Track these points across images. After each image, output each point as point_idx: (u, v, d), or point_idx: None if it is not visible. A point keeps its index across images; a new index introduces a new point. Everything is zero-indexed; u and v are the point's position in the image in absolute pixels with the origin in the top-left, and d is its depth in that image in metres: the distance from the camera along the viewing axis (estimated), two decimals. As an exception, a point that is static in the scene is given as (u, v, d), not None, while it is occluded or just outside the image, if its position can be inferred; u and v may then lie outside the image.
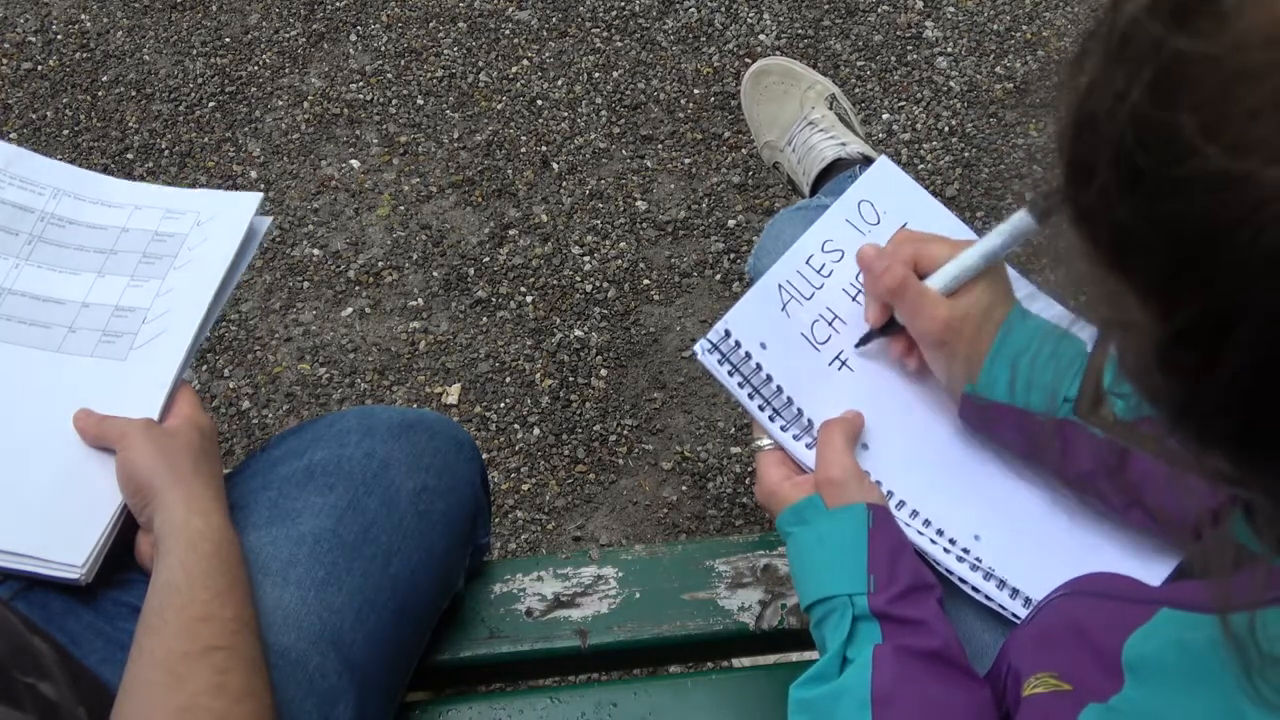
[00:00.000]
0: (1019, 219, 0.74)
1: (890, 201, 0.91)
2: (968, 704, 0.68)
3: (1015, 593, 0.79)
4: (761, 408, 0.84)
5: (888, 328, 0.84)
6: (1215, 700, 0.48)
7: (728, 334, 0.86)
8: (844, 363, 0.87)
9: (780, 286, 0.89)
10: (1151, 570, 0.78)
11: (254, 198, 0.92)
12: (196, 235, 0.90)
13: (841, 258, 0.90)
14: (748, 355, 0.86)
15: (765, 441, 0.84)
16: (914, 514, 0.82)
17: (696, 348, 0.86)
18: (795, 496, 0.78)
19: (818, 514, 0.76)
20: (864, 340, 0.86)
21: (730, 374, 0.85)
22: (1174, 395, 0.39)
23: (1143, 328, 0.38)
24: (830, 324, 0.88)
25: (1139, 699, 0.53)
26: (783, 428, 0.84)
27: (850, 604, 0.71)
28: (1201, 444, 0.39)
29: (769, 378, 0.85)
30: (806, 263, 0.90)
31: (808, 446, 0.83)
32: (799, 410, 0.85)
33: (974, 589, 0.79)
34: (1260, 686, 0.42)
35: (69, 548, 0.76)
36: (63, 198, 0.92)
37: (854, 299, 0.88)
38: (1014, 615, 0.78)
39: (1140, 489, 0.74)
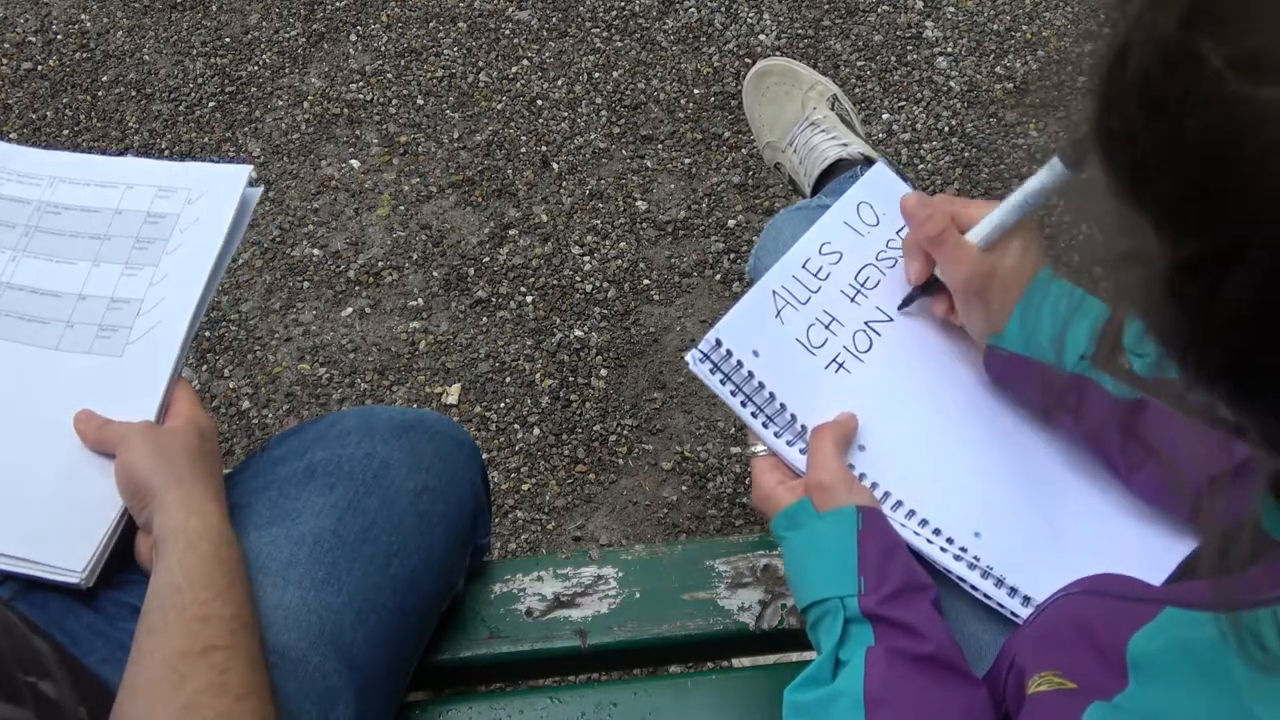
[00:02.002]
0: (1052, 166, 0.75)
1: (888, 204, 0.91)
2: (963, 705, 0.68)
3: (1014, 591, 0.79)
4: (755, 414, 0.84)
5: (929, 286, 0.84)
6: (1220, 698, 0.48)
7: (719, 343, 0.86)
8: (840, 365, 0.87)
9: (775, 293, 0.89)
10: (1153, 567, 0.78)
11: (243, 170, 0.91)
12: (188, 215, 0.90)
13: (839, 259, 0.90)
14: (740, 364, 0.86)
15: (759, 447, 0.84)
16: (910, 514, 0.82)
17: (688, 357, 0.86)
18: (787, 501, 0.79)
19: (809, 518, 0.76)
20: (906, 301, 0.87)
21: (723, 383, 0.85)
22: (1180, 327, 0.39)
23: (1155, 258, 0.39)
24: (827, 326, 0.88)
25: (1143, 697, 0.53)
26: (776, 434, 0.84)
27: (842, 606, 0.71)
28: (1203, 381, 0.40)
29: (761, 385, 0.85)
30: (803, 267, 0.89)
31: (801, 451, 0.83)
32: (792, 416, 0.85)
33: (973, 587, 0.79)
34: (1267, 683, 0.42)
35: (70, 552, 0.76)
36: (58, 184, 0.92)
37: (852, 300, 0.88)
38: (1013, 614, 0.78)
39: (1149, 450, 0.76)
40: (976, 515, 0.82)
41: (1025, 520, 0.82)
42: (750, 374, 0.85)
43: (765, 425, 0.84)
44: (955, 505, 0.82)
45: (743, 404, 0.85)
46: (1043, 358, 0.77)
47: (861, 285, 0.89)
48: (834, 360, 0.87)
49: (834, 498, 0.76)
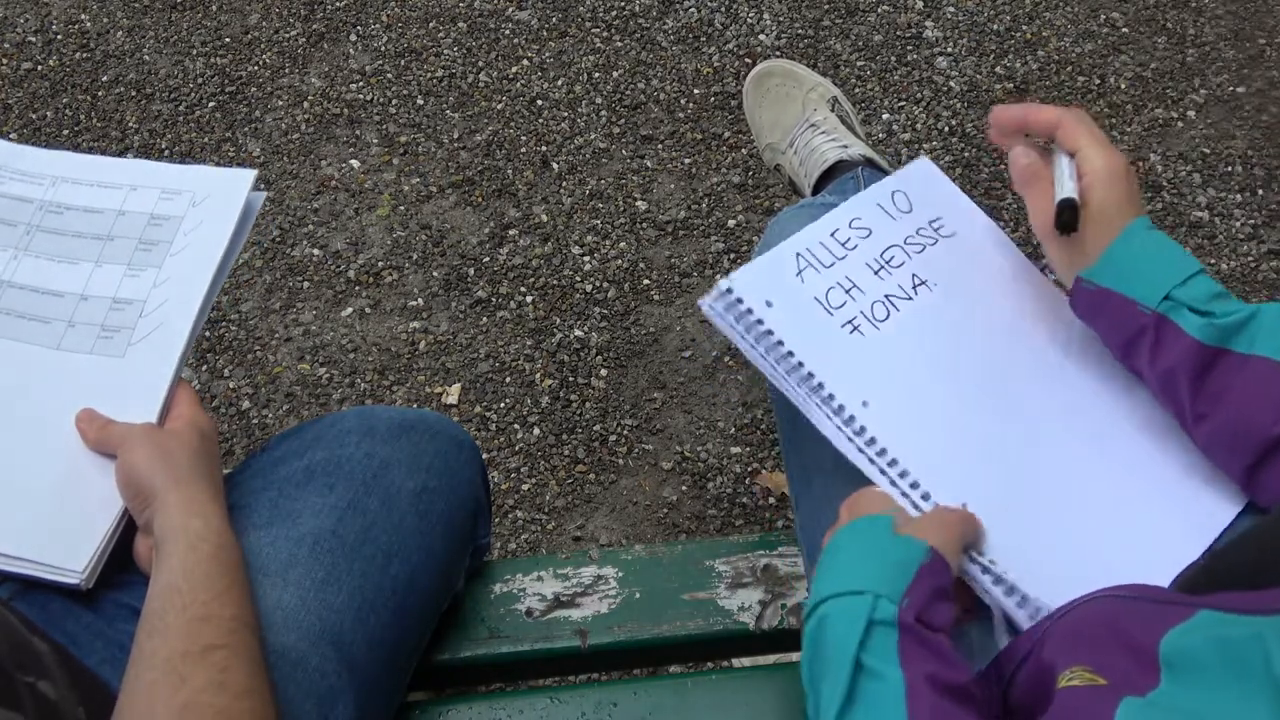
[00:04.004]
0: None
1: (925, 196, 0.92)
2: None
3: (1013, 590, 0.78)
4: (763, 358, 0.85)
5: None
6: (1258, 696, 0.48)
7: (729, 291, 0.86)
8: (856, 328, 0.87)
9: (798, 255, 0.89)
10: (1161, 565, 0.77)
11: (248, 174, 0.91)
12: (192, 218, 0.90)
13: (869, 235, 0.90)
14: (750, 311, 0.86)
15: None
16: (904, 474, 0.81)
17: (701, 303, 0.86)
18: (879, 509, 0.75)
19: (883, 530, 0.72)
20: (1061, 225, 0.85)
21: (733, 327, 0.85)
22: None
23: None
24: (847, 292, 0.88)
25: (1178, 695, 0.52)
26: (784, 378, 0.84)
27: (874, 605, 0.64)
28: None
29: (770, 332, 0.85)
30: (831, 235, 0.90)
31: (818, 405, 0.83)
32: (810, 373, 0.84)
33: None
34: None
35: (70, 553, 0.76)
36: (61, 184, 0.92)
37: (875, 273, 0.89)
38: (996, 601, 0.77)
39: (1217, 402, 0.76)
40: (971, 487, 0.81)
41: (1020, 503, 0.81)
42: (760, 321, 0.85)
43: (773, 370, 0.84)
44: (952, 473, 0.82)
45: (751, 347, 0.85)
46: (1126, 291, 0.79)
47: (886, 262, 0.90)
48: (850, 322, 0.87)
49: (917, 532, 0.72)
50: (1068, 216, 0.81)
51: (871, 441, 0.82)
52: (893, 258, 0.90)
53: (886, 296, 0.89)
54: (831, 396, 0.84)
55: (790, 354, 0.85)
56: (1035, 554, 0.79)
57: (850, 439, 0.83)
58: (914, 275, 0.90)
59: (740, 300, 0.86)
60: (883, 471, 0.81)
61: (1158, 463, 0.83)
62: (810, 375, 0.84)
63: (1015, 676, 0.66)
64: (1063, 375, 0.87)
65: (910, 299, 0.89)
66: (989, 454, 0.84)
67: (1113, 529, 0.81)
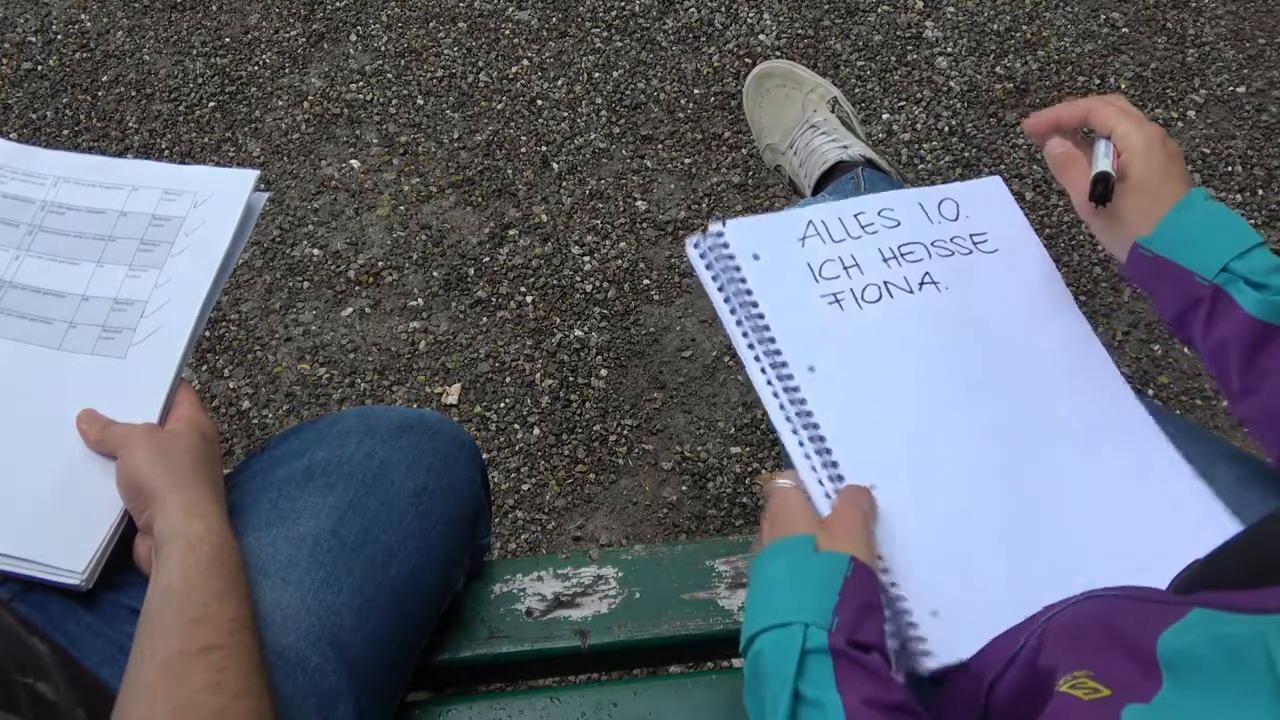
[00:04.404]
0: None
1: (980, 211, 0.91)
2: None
3: (894, 585, 0.76)
4: (739, 324, 0.83)
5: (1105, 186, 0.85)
6: (1262, 696, 0.48)
7: (720, 235, 0.85)
8: (839, 301, 0.85)
9: (811, 222, 0.88)
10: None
11: (250, 175, 0.91)
12: (194, 218, 0.90)
13: (896, 226, 0.89)
14: (736, 266, 0.84)
15: (784, 481, 0.81)
16: (825, 450, 0.79)
17: (687, 242, 0.85)
18: (798, 530, 0.74)
19: (805, 551, 0.72)
20: (1096, 196, 0.85)
21: (713, 278, 0.84)
22: None
23: None
24: (846, 268, 0.87)
25: (1181, 699, 0.52)
26: (750, 347, 0.82)
27: (804, 634, 0.65)
28: None
29: (749, 292, 0.83)
30: (854, 216, 0.89)
31: (769, 382, 0.81)
32: (767, 325, 0.83)
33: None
34: None
35: (70, 553, 0.76)
36: (62, 184, 0.92)
37: (885, 260, 0.88)
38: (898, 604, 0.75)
39: (1265, 379, 0.75)
40: (886, 477, 0.79)
41: (929, 512, 0.78)
42: (738, 269, 0.84)
43: (745, 335, 0.83)
44: (872, 457, 0.79)
45: (725, 301, 0.83)
46: (1183, 262, 0.78)
47: (903, 255, 0.88)
48: (834, 294, 0.85)
49: (836, 545, 0.72)
50: (1101, 189, 0.82)
51: (804, 410, 0.80)
52: (911, 253, 0.89)
53: (886, 283, 0.87)
54: (779, 353, 0.82)
55: (755, 304, 0.83)
56: (920, 558, 0.76)
57: (781, 403, 0.81)
58: (926, 273, 0.88)
59: (726, 245, 0.84)
60: (801, 443, 0.80)
61: (1105, 528, 0.79)
62: (766, 328, 0.82)
63: (999, 681, 0.66)
64: (1041, 416, 0.83)
65: (911, 293, 0.87)
66: (916, 455, 0.81)
67: (1063, 562, 0.77)
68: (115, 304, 0.87)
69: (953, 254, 0.89)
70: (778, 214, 0.88)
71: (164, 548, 0.72)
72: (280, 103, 1.98)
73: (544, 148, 1.90)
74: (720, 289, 0.84)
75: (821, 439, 0.80)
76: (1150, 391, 1.63)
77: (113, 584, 0.78)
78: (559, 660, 0.94)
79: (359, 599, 0.80)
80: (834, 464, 0.79)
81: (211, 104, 1.98)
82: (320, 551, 0.80)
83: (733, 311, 0.84)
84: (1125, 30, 2.02)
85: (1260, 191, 1.82)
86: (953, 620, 0.74)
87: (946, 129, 1.90)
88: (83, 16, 2.11)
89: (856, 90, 1.95)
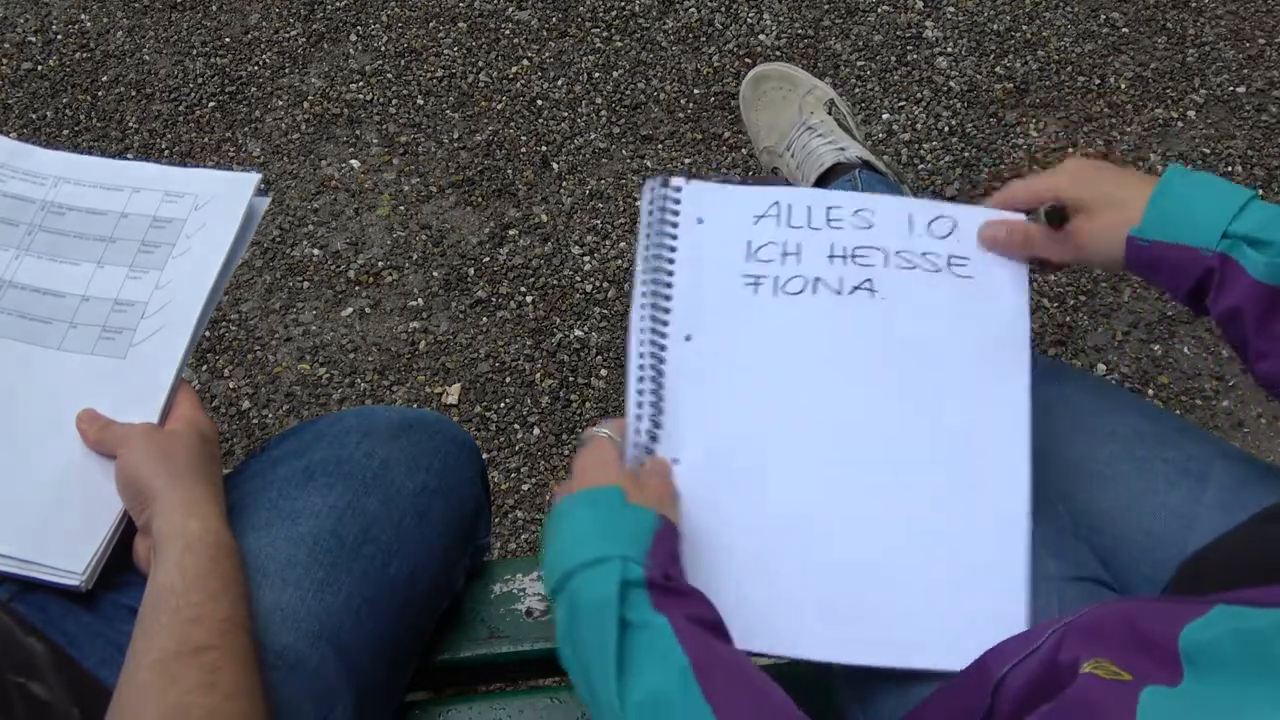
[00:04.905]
0: None
1: (975, 238, 0.86)
2: (759, 672, 0.66)
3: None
4: (644, 275, 0.82)
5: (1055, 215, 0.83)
6: (1278, 684, 0.48)
7: (677, 190, 0.84)
8: (758, 285, 0.83)
9: (776, 202, 0.85)
10: (947, 656, 0.73)
11: (252, 178, 0.91)
12: (194, 221, 0.90)
13: (867, 228, 0.85)
14: (675, 215, 0.84)
15: (603, 430, 0.80)
16: (656, 416, 0.79)
17: (648, 183, 0.85)
18: (602, 482, 0.74)
19: (614, 502, 0.71)
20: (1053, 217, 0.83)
21: (647, 225, 0.84)
22: None
23: None
24: (784, 255, 0.84)
25: (1202, 689, 0.52)
26: (641, 316, 0.81)
27: (623, 566, 0.65)
28: None
29: (673, 249, 0.83)
30: (826, 207, 0.86)
31: (641, 348, 0.81)
32: (670, 284, 0.83)
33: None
34: None
35: (69, 555, 0.76)
36: (63, 185, 0.91)
37: (831, 258, 0.84)
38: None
39: (1278, 342, 0.74)
40: (697, 456, 0.79)
41: (726, 509, 0.78)
42: (674, 238, 0.83)
43: (644, 285, 0.82)
44: (691, 436, 0.79)
45: (645, 239, 0.83)
46: (1185, 241, 0.76)
47: (854, 257, 0.85)
48: (756, 276, 0.84)
49: (646, 501, 0.72)
50: (1053, 212, 0.81)
51: (659, 370, 0.80)
52: (864, 256, 0.84)
53: (817, 279, 0.84)
54: (668, 311, 0.82)
55: (671, 261, 0.83)
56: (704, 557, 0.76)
57: (642, 358, 0.81)
58: (868, 279, 0.84)
59: (678, 204, 0.84)
60: (640, 403, 0.79)
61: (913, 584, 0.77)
62: (669, 285, 0.82)
63: (1006, 678, 0.65)
64: (908, 461, 0.79)
65: (838, 293, 0.83)
66: (736, 453, 0.79)
67: (902, 606, 0.76)
68: (116, 305, 0.87)
69: (914, 268, 0.84)
70: (750, 188, 0.86)
71: (162, 548, 0.72)
72: (280, 103, 1.98)
73: (544, 148, 1.91)
74: (648, 237, 0.84)
75: (659, 404, 0.79)
76: (1150, 392, 1.64)
77: (112, 584, 0.78)
78: (559, 660, 0.94)
79: (358, 599, 0.80)
80: (657, 428, 0.79)
81: (211, 104, 1.98)
82: (320, 551, 0.80)
83: (646, 260, 0.83)
84: (1125, 30, 2.02)
85: (1260, 191, 1.82)
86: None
87: (946, 129, 1.90)
88: (83, 16, 2.11)
89: (856, 90, 1.95)
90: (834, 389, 0.81)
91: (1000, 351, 0.83)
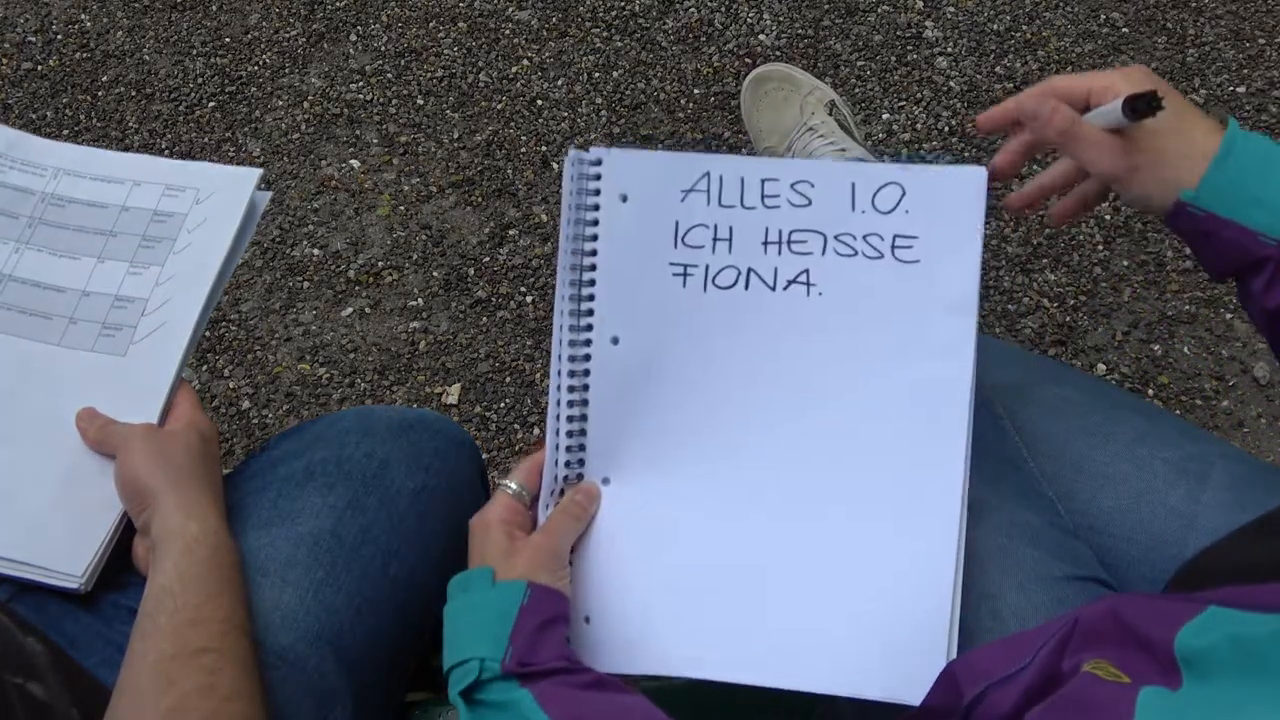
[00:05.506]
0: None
1: (928, 209, 0.75)
2: (645, 709, 0.66)
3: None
4: (565, 278, 0.75)
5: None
6: (1277, 693, 0.48)
7: (597, 163, 0.75)
8: (687, 276, 0.76)
9: (707, 174, 0.76)
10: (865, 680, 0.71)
11: (254, 173, 0.90)
12: (195, 215, 0.89)
13: (806, 206, 0.76)
14: (597, 194, 0.75)
15: (507, 483, 0.78)
16: (580, 434, 0.76)
17: (571, 152, 0.75)
18: (476, 560, 0.74)
19: (483, 585, 0.72)
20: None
21: (567, 208, 0.75)
22: None
23: None
24: (714, 240, 0.76)
25: (1200, 696, 0.52)
26: (561, 310, 0.75)
27: (480, 667, 0.67)
28: None
29: (594, 237, 0.75)
30: (761, 181, 0.76)
31: (562, 348, 0.75)
32: (593, 280, 0.75)
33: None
34: None
35: (69, 556, 0.76)
36: (63, 176, 0.91)
37: (765, 245, 0.76)
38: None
39: None
40: (626, 475, 0.76)
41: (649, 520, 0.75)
42: (595, 222, 0.75)
43: (563, 294, 0.75)
44: (619, 455, 0.76)
45: (568, 224, 0.75)
46: (1245, 221, 0.69)
47: (790, 243, 0.76)
48: (684, 266, 0.76)
49: (515, 570, 0.72)
50: (1142, 103, 0.68)
51: (583, 382, 0.75)
52: (802, 242, 0.76)
53: (750, 270, 0.76)
54: (590, 312, 0.75)
55: (594, 252, 0.75)
56: (608, 564, 0.75)
57: (562, 372, 0.76)
58: (805, 271, 0.76)
59: (599, 178, 0.75)
60: (560, 418, 0.76)
61: (848, 578, 0.74)
62: (593, 282, 0.75)
63: (987, 697, 0.63)
64: (840, 473, 0.75)
65: (771, 289, 0.76)
66: (664, 462, 0.76)
67: (800, 630, 0.75)
68: (116, 300, 0.86)
69: (855, 254, 0.76)
70: (676, 155, 0.77)
71: (161, 549, 0.72)
72: (280, 103, 1.98)
73: (544, 148, 1.90)
74: (568, 222, 0.75)
75: (584, 418, 0.75)
76: (1150, 392, 1.64)
77: (112, 584, 0.78)
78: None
79: (358, 599, 0.80)
80: (582, 447, 0.76)
81: (211, 104, 1.98)
82: (319, 551, 0.80)
83: (565, 249, 0.75)
84: (1125, 30, 2.02)
85: None
86: (601, 629, 0.75)
87: (946, 129, 1.90)
88: (83, 16, 2.11)
89: (856, 90, 1.95)
90: (766, 399, 0.77)
91: (942, 348, 0.75)
